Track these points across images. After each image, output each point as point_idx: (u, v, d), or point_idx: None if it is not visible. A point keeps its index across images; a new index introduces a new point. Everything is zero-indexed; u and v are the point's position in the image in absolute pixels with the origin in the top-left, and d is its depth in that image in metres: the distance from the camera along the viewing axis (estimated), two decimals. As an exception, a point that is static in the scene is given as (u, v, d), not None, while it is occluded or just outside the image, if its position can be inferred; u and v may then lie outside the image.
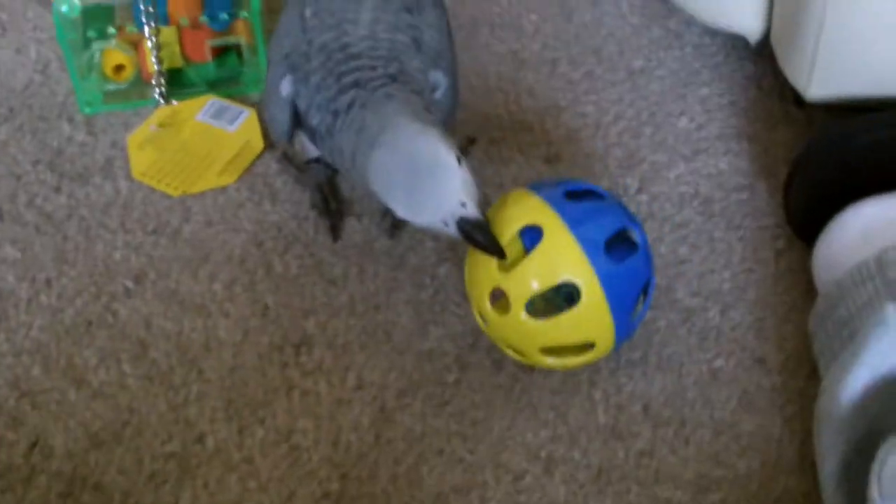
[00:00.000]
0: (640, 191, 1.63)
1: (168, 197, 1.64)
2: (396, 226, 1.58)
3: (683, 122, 1.73)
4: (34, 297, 1.52)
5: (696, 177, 1.65)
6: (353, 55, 1.42)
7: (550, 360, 1.38)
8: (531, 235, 1.35)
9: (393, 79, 1.40)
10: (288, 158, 1.67)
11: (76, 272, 1.55)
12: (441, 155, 1.31)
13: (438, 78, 1.47)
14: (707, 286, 1.51)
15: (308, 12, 1.48)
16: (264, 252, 1.56)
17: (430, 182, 1.31)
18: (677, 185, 1.64)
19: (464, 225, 1.30)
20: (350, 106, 1.39)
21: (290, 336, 1.46)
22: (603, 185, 1.62)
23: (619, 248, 1.35)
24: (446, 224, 1.31)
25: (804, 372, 1.42)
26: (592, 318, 1.33)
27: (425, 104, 1.40)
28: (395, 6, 1.46)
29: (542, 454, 1.37)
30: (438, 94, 1.47)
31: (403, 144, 1.32)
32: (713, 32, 1.86)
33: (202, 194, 1.64)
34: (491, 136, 1.71)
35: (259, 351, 1.45)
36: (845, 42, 1.48)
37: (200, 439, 1.38)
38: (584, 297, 1.32)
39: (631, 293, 1.35)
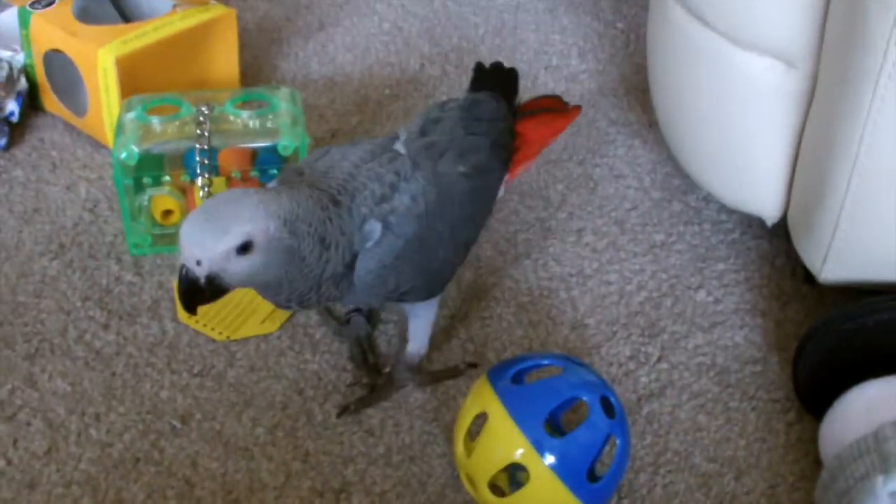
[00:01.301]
0: (660, 359, 1.72)
1: (213, 340, 1.71)
2: (435, 379, 1.67)
3: (701, 296, 1.82)
4: (84, 430, 1.58)
5: (713, 348, 1.74)
6: (323, 173, 1.49)
7: None
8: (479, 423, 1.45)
9: (332, 198, 1.44)
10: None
11: (124, 408, 1.61)
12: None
13: (374, 228, 1.46)
14: (723, 453, 1.59)
15: (333, 149, 1.54)
16: (305, 399, 1.63)
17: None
18: (695, 356, 1.73)
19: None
20: None
21: (331, 482, 1.53)
22: (625, 353, 1.72)
23: (599, 414, 1.42)
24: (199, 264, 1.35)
25: (814, 540, 1.49)
26: (547, 491, 1.40)
27: (322, 216, 1.41)
28: (392, 167, 1.51)
29: None
30: (370, 244, 1.46)
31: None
32: (730, 210, 1.96)
33: (245, 340, 1.71)
34: (519, 301, 1.80)
35: (300, 495, 1.51)
36: (862, 232, 1.56)
37: (243, 578, 1.44)
38: (531, 476, 1.40)
39: (584, 461, 1.41)
